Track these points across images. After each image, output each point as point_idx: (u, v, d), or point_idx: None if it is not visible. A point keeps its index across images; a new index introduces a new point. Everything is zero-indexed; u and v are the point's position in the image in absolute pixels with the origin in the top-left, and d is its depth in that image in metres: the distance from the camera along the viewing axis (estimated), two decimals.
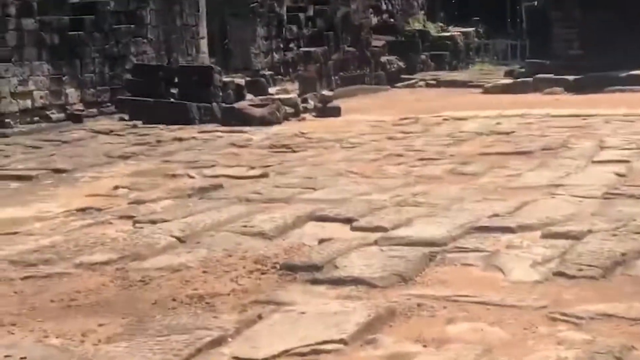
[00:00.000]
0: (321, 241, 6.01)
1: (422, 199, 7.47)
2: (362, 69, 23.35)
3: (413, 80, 24.37)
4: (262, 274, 5.21)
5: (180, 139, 13.16)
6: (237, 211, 7.22)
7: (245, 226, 6.48)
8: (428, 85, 23.76)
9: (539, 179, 8.52)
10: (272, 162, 10.71)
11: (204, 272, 5.22)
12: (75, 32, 16.00)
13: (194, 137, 13.44)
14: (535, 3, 23.97)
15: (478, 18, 30.82)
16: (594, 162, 9.69)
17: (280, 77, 21.44)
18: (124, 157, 11.55)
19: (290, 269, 5.22)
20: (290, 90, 18.68)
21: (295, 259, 5.48)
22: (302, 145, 12.33)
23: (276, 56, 21.67)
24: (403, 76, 24.79)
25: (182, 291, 4.79)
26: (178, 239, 6.12)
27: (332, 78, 21.42)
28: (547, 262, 5.18)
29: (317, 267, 5.20)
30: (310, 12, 22.85)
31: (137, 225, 6.79)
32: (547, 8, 22.49)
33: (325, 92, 17.65)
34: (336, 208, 7.14)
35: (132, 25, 17.35)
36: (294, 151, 11.74)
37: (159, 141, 13.00)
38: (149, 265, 5.45)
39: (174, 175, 9.75)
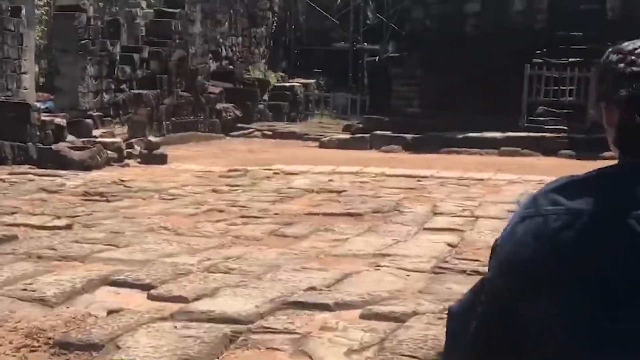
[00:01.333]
0: (110, 312, 5.29)
1: (234, 265, 6.83)
2: (196, 115, 22.69)
3: (249, 130, 24.06)
4: (31, 351, 4.52)
5: None
6: (22, 270, 6.40)
7: (25, 289, 5.69)
8: (264, 136, 23.49)
9: (365, 246, 7.90)
10: (81, 211, 9.89)
11: None
12: None
13: (1, 180, 12.35)
14: (377, 59, 24.17)
15: (320, 70, 30.89)
16: (425, 229, 9.10)
17: (110, 119, 20.73)
18: None
19: (64, 347, 4.53)
20: (118, 133, 18.01)
21: (72, 335, 4.74)
22: (119, 194, 11.53)
23: (106, 97, 20.93)
24: (239, 125, 24.41)
25: None
26: None
27: (164, 123, 20.67)
28: (364, 349, 4.67)
29: (96, 347, 4.53)
30: (145, 54, 22.17)
31: None
32: (388, 65, 22.65)
33: (152, 138, 16.86)
34: (136, 271, 6.44)
35: None
36: (108, 200, 10.92)
37: None
38: None
39: None
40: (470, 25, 22.31)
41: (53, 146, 14.27)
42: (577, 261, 1.47)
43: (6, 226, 8.57)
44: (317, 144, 21.15)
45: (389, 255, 7.43)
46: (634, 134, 1.60)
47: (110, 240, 7.89)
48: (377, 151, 19.69)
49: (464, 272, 6.72)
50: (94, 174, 13.63)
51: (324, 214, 10.04)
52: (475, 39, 21.97)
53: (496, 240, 1.66)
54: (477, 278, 1.73)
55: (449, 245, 8.04)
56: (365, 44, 30.89)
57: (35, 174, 13.07)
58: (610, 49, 1.76)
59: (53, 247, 7.39)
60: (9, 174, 12.95)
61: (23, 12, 18.30)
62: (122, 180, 12.85)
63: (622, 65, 1.69)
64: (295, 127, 24.92)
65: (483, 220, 9.61)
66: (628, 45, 1.73)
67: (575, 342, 1.43)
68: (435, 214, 10.24)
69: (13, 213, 9.50)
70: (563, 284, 1.47)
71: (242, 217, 9.74)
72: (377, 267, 6.90)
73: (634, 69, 1.65)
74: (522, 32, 21.70)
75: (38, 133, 14.43)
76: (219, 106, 24.14)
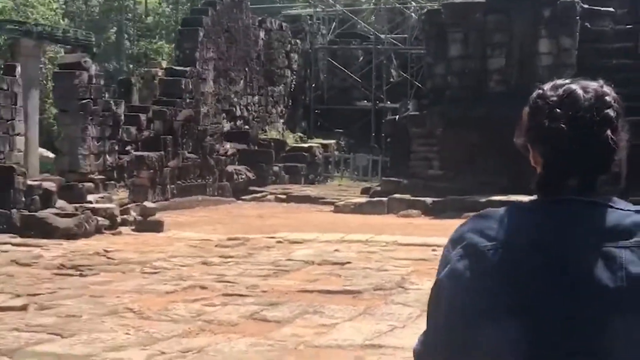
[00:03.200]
0: None
1: None
2: (204, 178, 22.17)
3: (262, 193, 23.53)
4: None
5: None
6: None
7: None
8: (277, 199, 22.89)
9: (354, 335, 6.88)
10: (46, 289, 9.07)
11: None
12: None
13: None
14: (397, 118, 23.53)
15: (341, 130, 30.58)
16: None
17: (113, 182, 20.12)
18: None
19: None
20: (119, 198, 17.37)
21: None
22: (97, 267, 10.73)
23: (109, 159, 20.26)
24: (251, 188, 23.92)
25: None
26: None
27: (168, 187, 20.15)
28: None
29: None
30: (151, 113, 21.61)
31: None
32: (408, 124, 22.00)
33: (148, 204, 16.18)
34: None
35: None
36: (82, 275, 10.10)
37: None
38: None
39: None
40: (494, 81, 21.62)
41: (38, 213, 13.60)
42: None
43: None
44: (332, 208, 20.42)
45: (380, 346, 6.45)
46: (559, 168, 1.85)
47: (59, 327, 7.03)
48: (395, 216, 18.93)
49: None
50: (80, 242, 12.94)
51: (319, 292, 9.15)
52: (498, 95, 21.24)
53: (436, 280, 1.88)
54: None
55: None
56: (389, 102, 30.43)
57: (14, 244, 12.35)
58: (536, 93, 1.89)
59: None
60: None
61: (18, 70, 17.81)
62: (107, 251, 12.06)
63: (545, 111, 1.85)
64: (312, 190, 24.38)
65: None
66: (551, 91, 1.87)
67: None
68: None
69: None
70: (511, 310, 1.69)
71: (225, 295, 8.89)
72: None
73: (554, 116, 1.82)
74: None
75: (23, 199, 13.76)
76: (230, 168, 23.65)
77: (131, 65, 41.13)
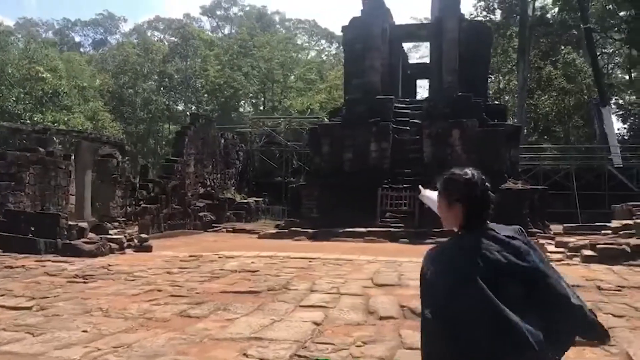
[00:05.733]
0: None
1: (122, 355, 4.82)
2: (184, 219, 21.98)
3: (219, 228, 23.31)
4: None
5: (10, 267, 10.29)
6: None
7: None
8: (227, 231, 22.64)
9: (245, 329, 5.75)
10: (55, 292, 7.71)
11: None
12: None
13: (23, 265, 10.44)
14: (294, 185, 24.22)
15: (266, 193, 30.61)
16: (301, 306, 7.01)
17: (131, 222, 20.30)
18: None
19: None
20: (132, 231, 17.04)
21: None
22: (98, 276, 9.40)
23: (129, 209, 20.52)
24: (213, 225, 23.69)
25: None
26: None
27: (162, 225, 19.96)
28: None
29: None
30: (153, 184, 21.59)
31: None
32: (300, 188, 22.47)
33: (143, 235, 15.48)
34: None
35: (13, 183, 15.25)
36: (85, 282, 8.82)
37: None
38: None
39: None
40: (346, 165, 22.18)
41: (73, 242, 13.07)
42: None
43: None
44: (257, 235, 20.39)
45: (260, 339, 5.42)
46: (472, 215, 1.85)
47: (37, 326, 5.75)
48: (292, 240, 18.93)
49: None
50: (96, 260, 11.88)
51: (233, 292, 7.99)
52: (348, 173, 21.87)
53: (422, 269, 1.95)
54: None
55: (314, 323, 6.03)
56: (292, 178, 30.75)
57: (53, 261, 11.36)
58: (449, 173, 2.00)
59: None
60: (36, 261, 11.31)
61: (72, 157, 17.66)
62: (110, 265, 10.87)
63: (460, 179, 1.93)
64: (248, 226, 24.10)
65: (345, 298, 7.59)
66: (456, 170, 1.99)
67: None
68: (312, 291, 8.11)
69: (2, 295, 7.57)
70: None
71: (171, 296, 7.56)
72: (243, 354, 4.97)
73: (468, 180, 1.93)
74: (376, 169, 21.68)
75: (65, 233, 13.23)
76: (201, 214, 23.41)
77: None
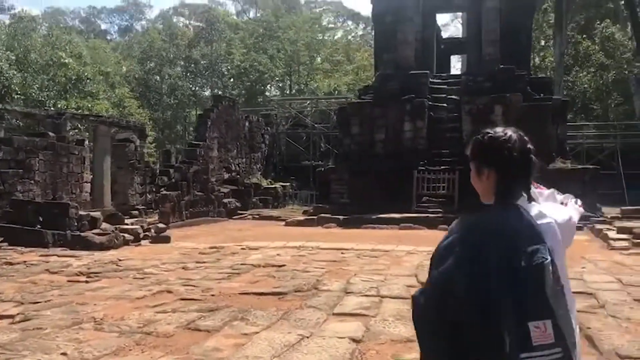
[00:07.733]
0: None
1: None
2: (207, 207, 20.63)
3: (244, 215, 22.07)
4: None
5: (10, 263, 9.33)
6: None
7: None
8: (254, 218, 21.40)
9: (265, 350, 4.47)
10: (50, 296, 6.68)
11: None
12: None
13: (25, 261, 9.50)
14: (322, 169, 22.82)
15: (293, 177, 29.41)
16: (335, 313, 5.76)
17: (152, 210, 19.04)
18: None
19: None
20: (150, 221, 15.63)
21: None
22: (104, 274, 8.36)
23: (149, 196, 19.21)
24: (239, 212, 22.42)
25: None
26: None
27: (184, 212, 18.64)
28: None
29: None
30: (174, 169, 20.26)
31: None
32: (329, 172, 21.19)
33: (160, 225, 14.32)
34: None
35: (21, 170, 13.99)
36: (87, 282, 7.84)
37: None
38: None
39: None
40: (377, 147, 20.68)
41: (82, 233, 11.95)
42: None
43: None
44: (284, 223, 19.08)
45: None
46: (508, 184, 1.70)
47: (8, 346, 4.62)
48: (321, 227, 17.59)
49: None
50: (108, 253, 10.89)
51: (254, 293, 6.79)
52: (380, 155, 20.38)
53: (436, 249, 1.71)
54: None
55: (353, 340, 4.76)
56: (321, 161, 29.48)
57: (59, 255, 10.35)
58: (481, 135, 1.74)
59: None
60: (40, 255, 10.30)
61: (86, 143, 16.58)
62: (120, 260, 9.80)
63: (494, 138, 1.71)
64: (274, 212, 22.84)
65: (388, 303, 6.28)
66: (490, 129, 1.75)
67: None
68: (347, 292, 6.83)
69: None
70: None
71: (181, 299, 6.46)
72: None
73: (503, 139, 1.70)
74: (411, 150, 20.15)
75: (76, 224, 12.08)
76: (225, 200, 22.12)
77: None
